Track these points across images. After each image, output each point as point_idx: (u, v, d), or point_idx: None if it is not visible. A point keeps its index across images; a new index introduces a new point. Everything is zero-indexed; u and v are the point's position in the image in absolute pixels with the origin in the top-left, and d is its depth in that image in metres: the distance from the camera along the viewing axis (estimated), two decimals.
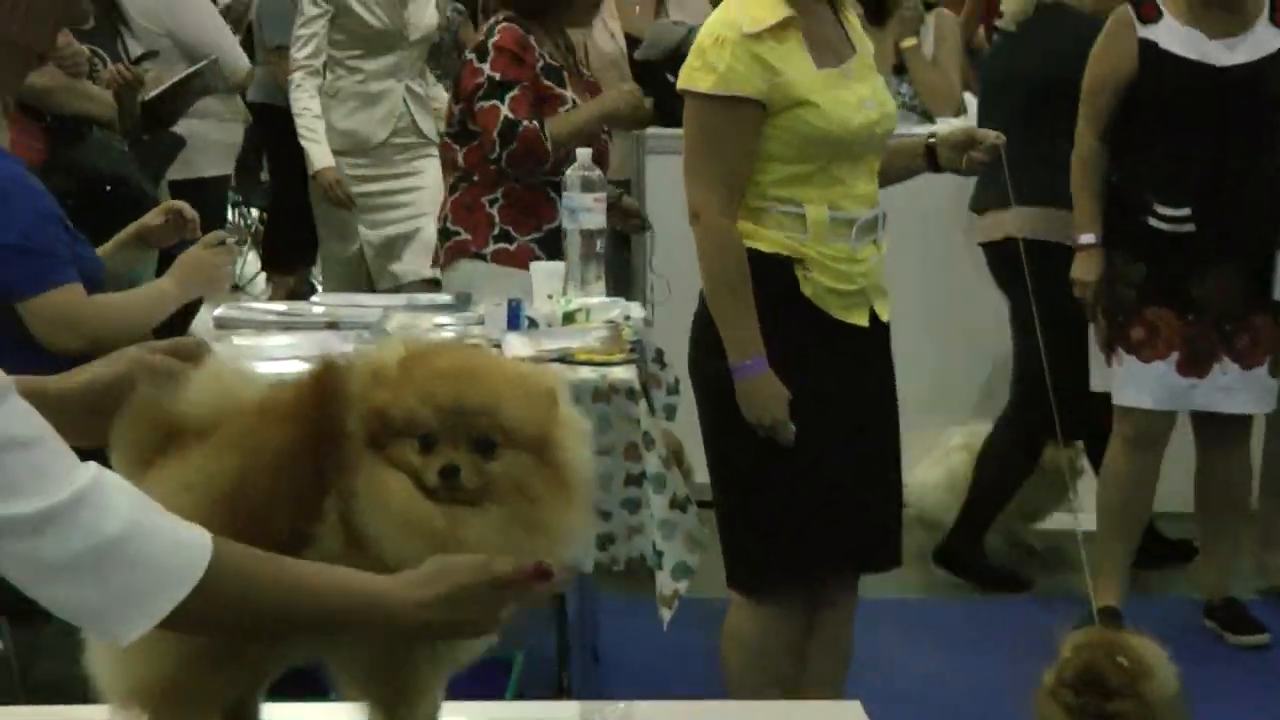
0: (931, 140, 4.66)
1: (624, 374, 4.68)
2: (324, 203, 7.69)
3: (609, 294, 5.54)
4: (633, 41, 7.70)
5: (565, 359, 4.77)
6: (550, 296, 5.27)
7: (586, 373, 4.69)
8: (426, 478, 2.12)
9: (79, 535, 1.95)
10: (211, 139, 7.95)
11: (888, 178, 4.61)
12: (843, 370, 4.39)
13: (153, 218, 4.89)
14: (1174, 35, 5.62)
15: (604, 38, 7.56)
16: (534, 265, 5.43)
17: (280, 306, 5.72)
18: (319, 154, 7.59)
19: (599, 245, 5.49)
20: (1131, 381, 5.79)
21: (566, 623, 4.94)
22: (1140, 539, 6.11)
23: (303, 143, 7.64)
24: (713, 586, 4.75)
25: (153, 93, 6.78)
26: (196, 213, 4.93)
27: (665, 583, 4.59)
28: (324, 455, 2.17)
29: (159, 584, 1.99)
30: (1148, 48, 5.62)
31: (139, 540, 1.99)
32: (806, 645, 4.59)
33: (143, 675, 2.19)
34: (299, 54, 7.64)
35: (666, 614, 4.60)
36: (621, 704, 2.64)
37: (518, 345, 4.87)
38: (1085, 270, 5.80)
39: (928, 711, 5.45)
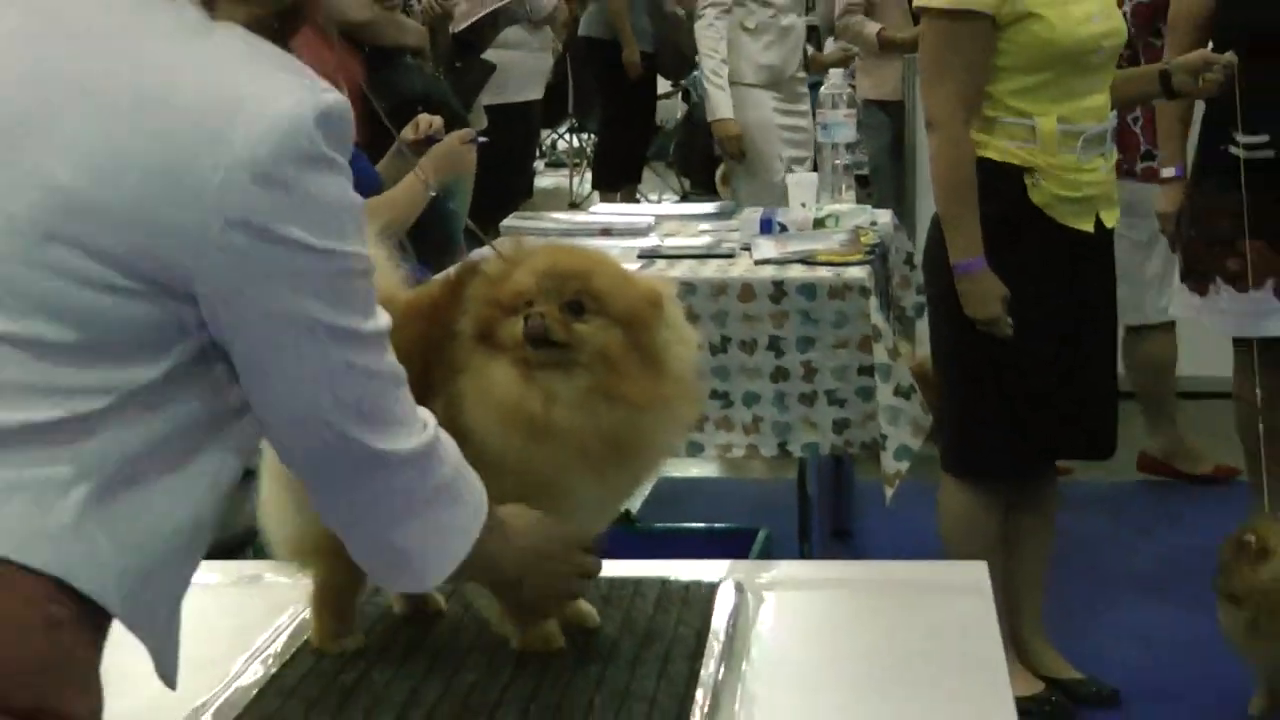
0: (1166, 66, 4.51)
1: (858, 273, 4.64)
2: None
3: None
4: None
5: (807, 260, 4.75)
6: (804, 205, 5.22)
7: (824, 272, 4.66)
8: (515, 331, 2.08)
9: (436, 471, 1.87)
10: (523, 67, 8.02)
11: (1123, 102, 4.48)
12: (1066, 273, 4.28)
13: (407, 132, 4.91)
14: None
15: None
16: (789, 177, 5.38)
17: (562, 215, 5.77)
18: (721, 102, 6.85)
19: (850, 157, 5.44)
20: (1232, 312, 5.16)
21: (807, 500, 4.93)
22: None
23: (707, 85, 6.92)
24: None
25: (463, 25, 6.84)
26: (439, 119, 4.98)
27: (889, 464, 4.55)
28: (435, 358, 2.13)
29: (465, 524, 1.93)
30: None
31: (462, 478, 1.93)
32: (1015, 519, 4.52)
33: (304, 532, 2.19)
34: None
35: (889, 492, 4.57)
36: (775, 563, 2.62)
37: (765, 247, 4.86)
38: (1167, 203, 5.34)
39: (1124, 586, 5.34)
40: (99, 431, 1.63)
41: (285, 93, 1.65)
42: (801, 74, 7.13)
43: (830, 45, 8.39)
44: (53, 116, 1.61)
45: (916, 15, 4.50)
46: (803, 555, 4.83)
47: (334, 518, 1.87)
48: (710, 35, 6.85)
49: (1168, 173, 5.34)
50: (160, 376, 1.66)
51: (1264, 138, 4.97)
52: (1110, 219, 4.34)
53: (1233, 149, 4.97)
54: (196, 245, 1.61)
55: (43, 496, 1.60)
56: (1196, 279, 5.20)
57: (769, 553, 4.63)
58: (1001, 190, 4.20)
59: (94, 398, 1.62)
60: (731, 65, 6.84)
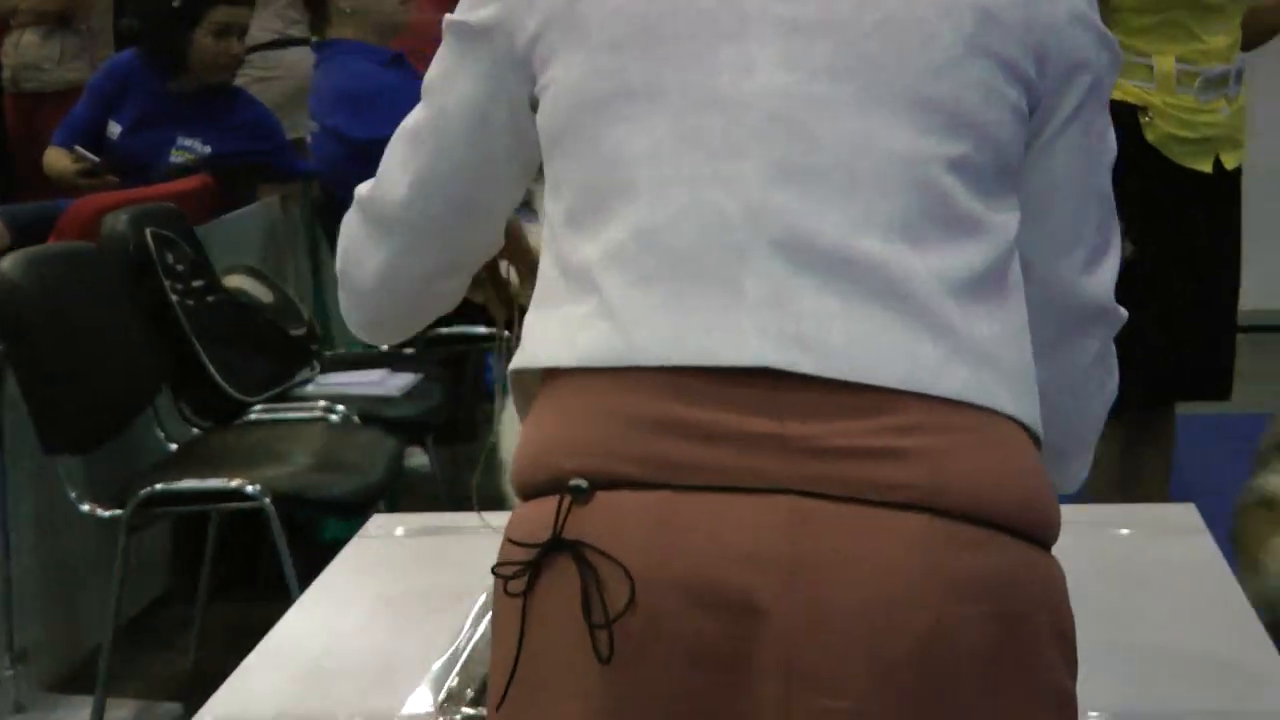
0: None
1: None
2: None
3: None
4: None
5: None
6: None
7: None
8: None
9: None
10: None
11: (1257, 34, 4.30)
12: (1180, 212, 4.14)
13: None
14: None
15: None
16: None
17: None
18: None
19: None
20: None
21: None
22: None
23: None
24: None
25: None
26: None
27: None
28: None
29: None
30: None
31: None
32: (1133, 454, 4.37)
33: None
34: None
35: None
36: None
37: None
38: None
39: None
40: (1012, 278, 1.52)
41: None
42: None
43: None
44: None
45: None
46: None
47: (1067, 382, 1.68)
48: None
49: None
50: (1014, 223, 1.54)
51: None
52: (1231, 160, 4.17)
53: None
54: (1055, 34, 1.53)
55: (1024, 350, 1.51)
56: None
57: None
58: (1117, 128, 4.06)
59: (1004, 234, 1.51)
60: None
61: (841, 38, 1.47)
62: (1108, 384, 1.73)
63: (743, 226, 1.44)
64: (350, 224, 1.72)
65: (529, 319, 1.55)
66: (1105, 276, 1.66)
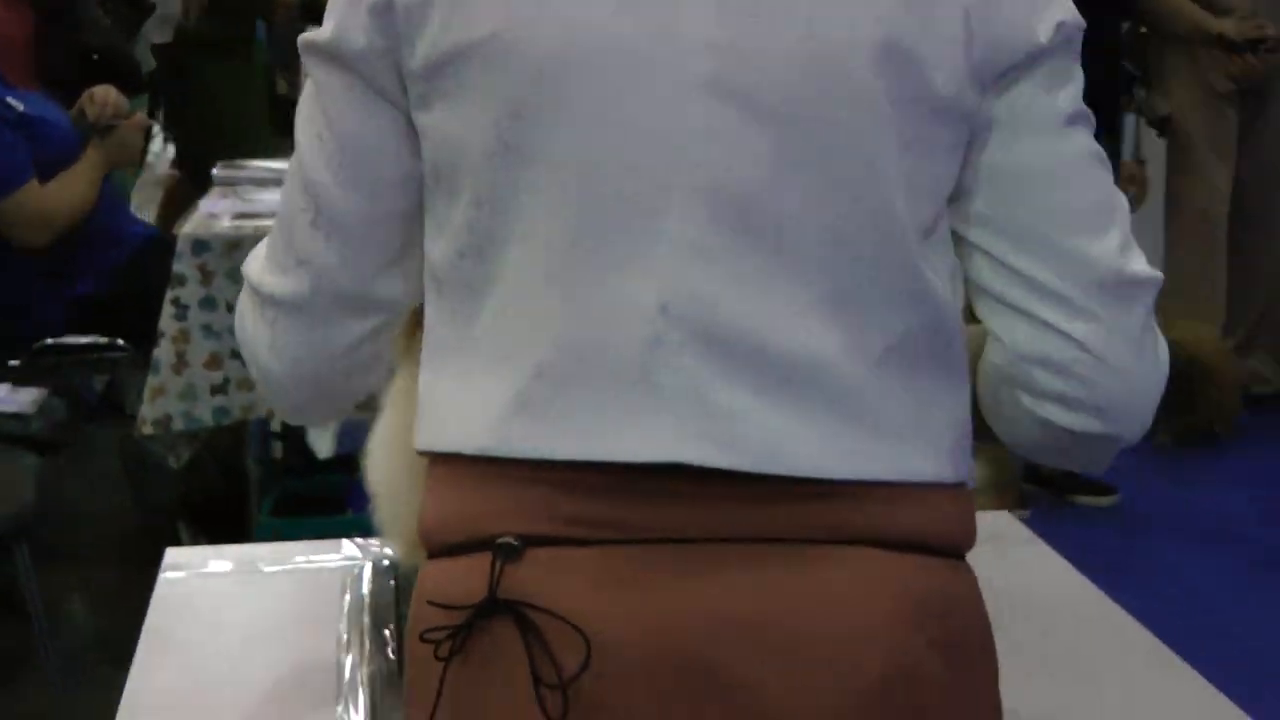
0: None
1: None
2: None
3: None
4: None
5: None
6: None
7: None
8: None
9: None
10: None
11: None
12: None
13: (89, 108, 4.76)
14: None
15: None
16: None
17: (278, 164, 5.42)
18: None
19: None
20: None
21: None
22: None
23: None
24: None
25: None
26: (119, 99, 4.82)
27: None
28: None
29: None
30: None
31: None
32: None
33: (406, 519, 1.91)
34: None
35: None
36: None
37: None
38: None
39: None
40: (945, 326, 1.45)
41: None
42: None
43: None
44: None
45: None
46: None
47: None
48: None
49: None
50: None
51: None
52: None
53: None
54: (999, 49, 1.41)
55: (954, 406, 1.45)
56: None
57: None
58: None
59: (934, 288, 1.43)
60: None
61: (769, 90, 1.36)
62: (1159, 353, 1.50)
63: (657, 317, 1.35)
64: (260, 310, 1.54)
65: (427, 380, 1.44)
66: (1114, 243, 1.46)
